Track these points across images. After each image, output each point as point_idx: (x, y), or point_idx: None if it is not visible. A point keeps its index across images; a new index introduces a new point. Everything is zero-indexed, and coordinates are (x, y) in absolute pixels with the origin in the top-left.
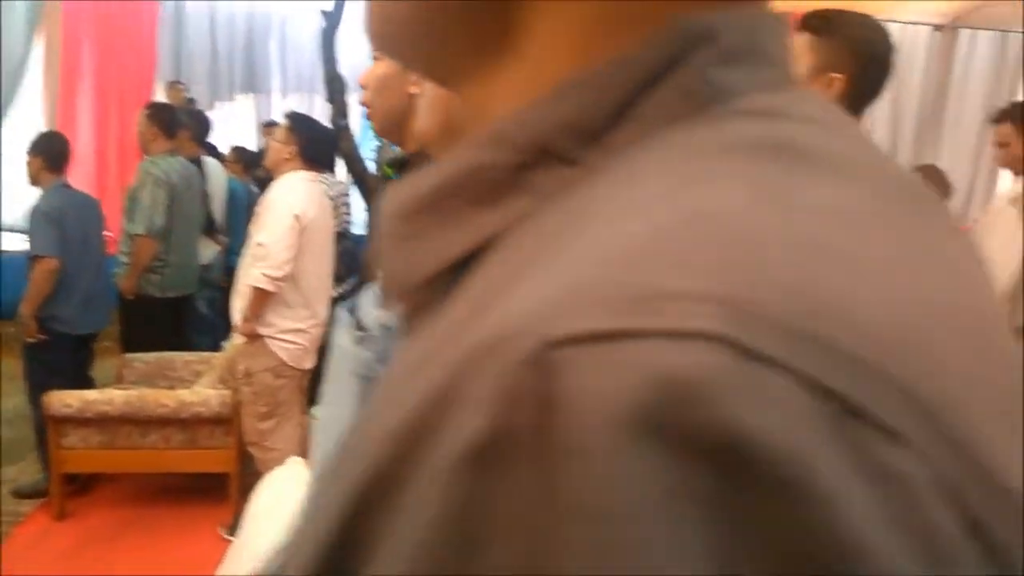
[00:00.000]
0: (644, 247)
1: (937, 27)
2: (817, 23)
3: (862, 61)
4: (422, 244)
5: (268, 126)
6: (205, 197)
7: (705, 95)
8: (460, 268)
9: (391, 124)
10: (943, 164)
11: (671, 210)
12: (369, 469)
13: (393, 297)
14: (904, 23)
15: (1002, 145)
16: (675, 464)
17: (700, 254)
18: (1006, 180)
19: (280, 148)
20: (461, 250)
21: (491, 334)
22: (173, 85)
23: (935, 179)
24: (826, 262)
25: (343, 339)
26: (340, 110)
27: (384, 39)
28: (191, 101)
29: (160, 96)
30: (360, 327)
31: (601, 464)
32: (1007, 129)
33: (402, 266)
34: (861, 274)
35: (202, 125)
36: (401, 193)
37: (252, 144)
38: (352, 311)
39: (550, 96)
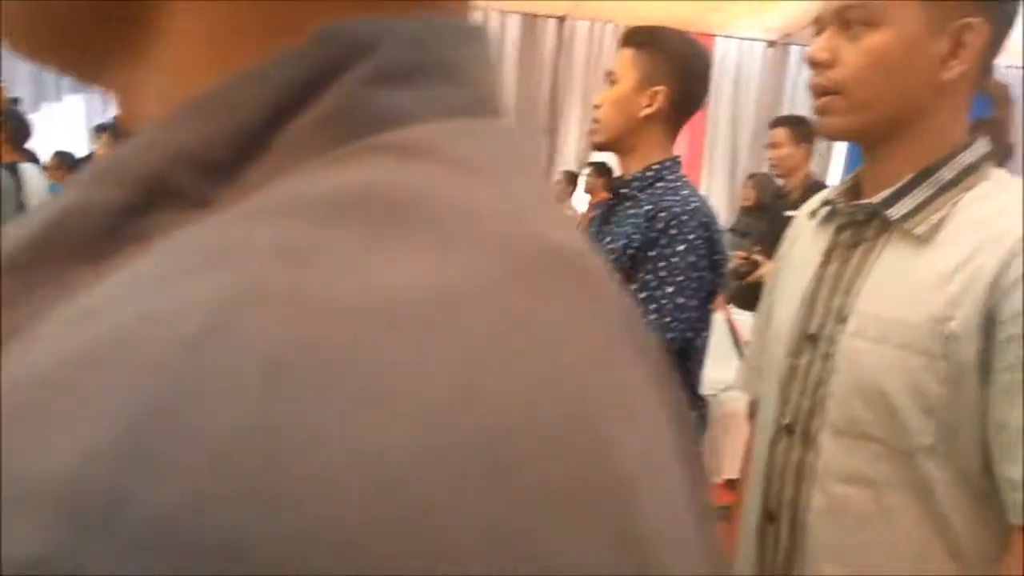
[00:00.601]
0: (15, 389)
1: (770, 43)
2: (639, 38)
3: (682, 74)
4: (11, 313)
5: (100, 130)
6: (21, 207)
7: (353, 122)
8: None
9: None
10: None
11: (116, 318)
12: None
13: None
14: (740, 39)
15: (774, 146)
16: None
17: (90, 398)
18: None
19: (102, 155)
20: None
21: None
22: None
23: (768, 187)
24: (315, 390)
25: None
26: None
27: (11, 38)
28: (14, 101)
29: None
30: None
31: None
32: (781, 132)
33: None
34: (377, 406)
35: (21, 128)
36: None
37: (82, 149)
38: None
39: (171, 118)
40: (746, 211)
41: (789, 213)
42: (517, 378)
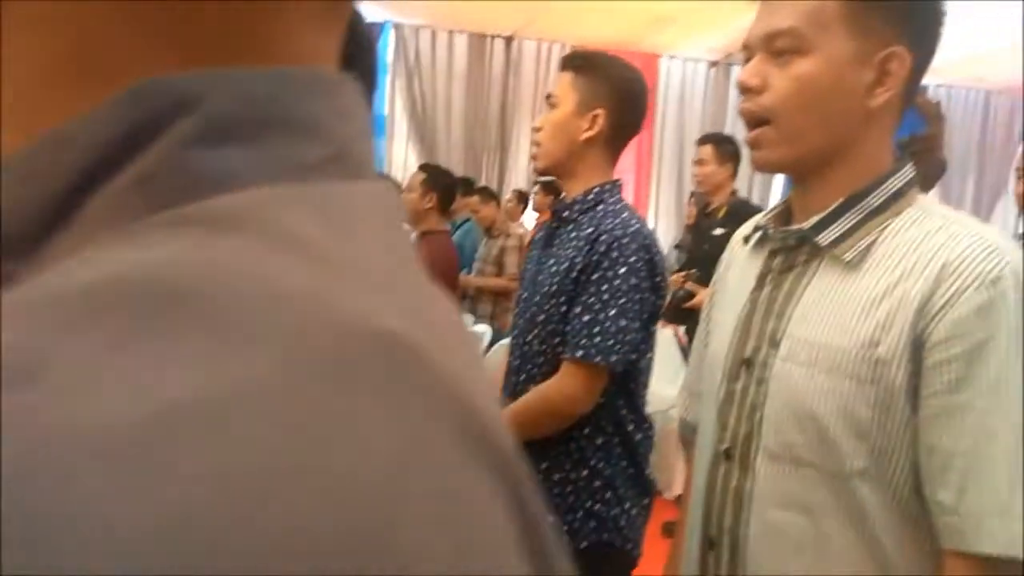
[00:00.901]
0: None
1: (712, 63)
2: (578, 63)
3: (620, 98)
4: None
5: None
6: None
7: (169, 187)
8: None
9: None
10: None
11: None
12: None
13: None
14: (684, 59)
15: (700, 163)
16: None
17: None
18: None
19: None
20: None
21: None
22: None
23: (704, 205)
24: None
25: None
26: None
27: None
28: None
29: None
30: None
31: None
32: (707, 150)
33: None
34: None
35: None
36: None
37: None
38: None
39: None
40: (689, 229)
41: (716, 232)
42: (261, 515)
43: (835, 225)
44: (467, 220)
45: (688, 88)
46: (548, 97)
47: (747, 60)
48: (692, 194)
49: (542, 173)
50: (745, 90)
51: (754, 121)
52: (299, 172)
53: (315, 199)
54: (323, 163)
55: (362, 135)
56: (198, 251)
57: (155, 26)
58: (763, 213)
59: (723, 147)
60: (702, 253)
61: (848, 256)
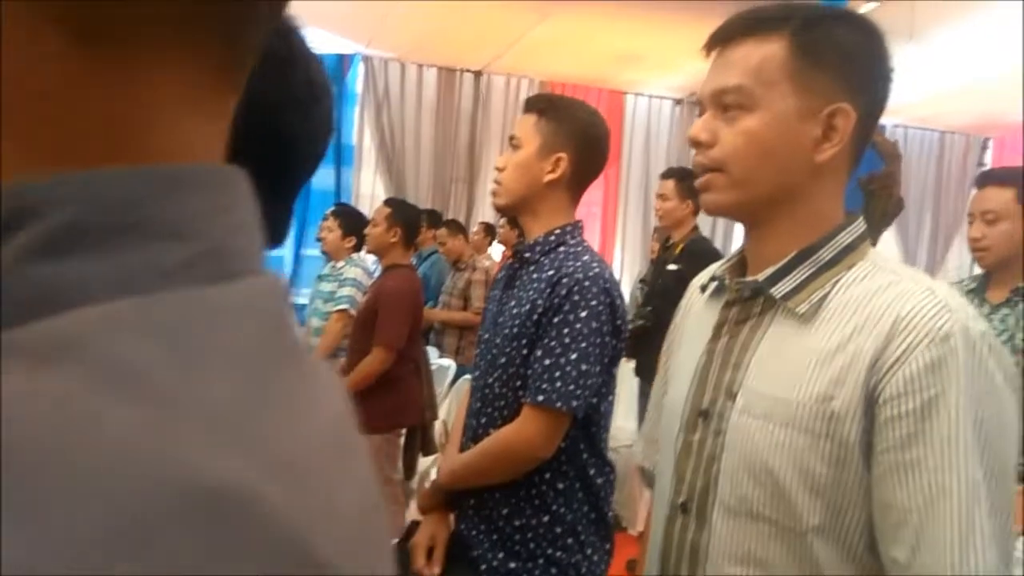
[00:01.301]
0: None
1: (677, 101)
2: (542, 105)
3: (583, 142)
4: None
5: None
6: None
7: (4, 305)
8: None
9: None
10: None
11: None
12: None
13: None
14: (650, 96)
15: (661, 197)
16: None
17: None
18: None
19: None
20: None
21: None
22: None
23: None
24: None
25: None
26: None
27: None
28: None
29: None
30: None
31: None
32: (669, 185)
33: None
34: None
35: None
36: None
37: None
38: None
39: None
40: (653, 264)
41: (670, 267)
42: None
43: (788, 278)
44: (433, 252)
45: (654, 124)
46: (511, 138)
47: (700, 114)
48: (655, 229)
49: (501, 210)
50: (696, 144)
51: (705, 171)
52: (155, 280)
53: (161, 317)
54: (184, 267)
55: (241, 228)
56: (14, 395)
57: (15, 126)
58: (719, 263)
59: (685, 183)
60: (658, 287)
61: (801, 309)
